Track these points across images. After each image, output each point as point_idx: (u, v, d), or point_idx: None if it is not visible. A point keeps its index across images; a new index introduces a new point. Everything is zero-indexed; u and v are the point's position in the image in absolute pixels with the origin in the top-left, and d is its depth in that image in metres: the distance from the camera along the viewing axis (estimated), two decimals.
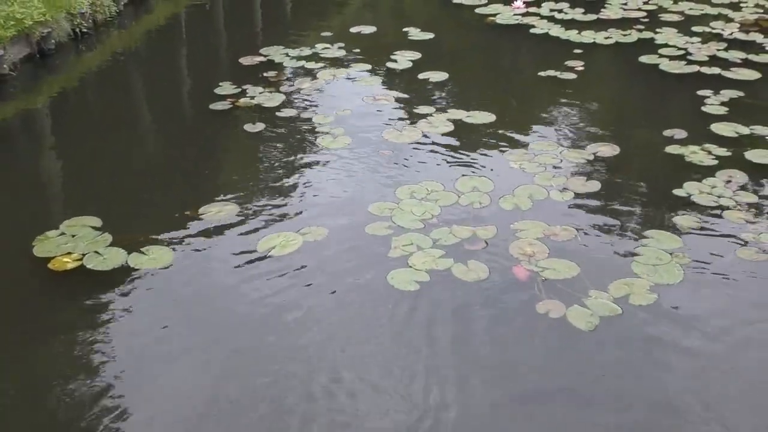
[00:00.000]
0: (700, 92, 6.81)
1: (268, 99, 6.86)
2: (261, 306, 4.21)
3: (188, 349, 3.93)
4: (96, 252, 4.59)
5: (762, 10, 9.10)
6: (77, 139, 6.41)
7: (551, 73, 7.35)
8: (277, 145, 6.12)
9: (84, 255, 4.57)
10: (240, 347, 3.95)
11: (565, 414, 3.52)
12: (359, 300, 4.28)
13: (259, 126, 6.35)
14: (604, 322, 4.02)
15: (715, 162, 5.61)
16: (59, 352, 3.96)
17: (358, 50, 8.08)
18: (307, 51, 8.05)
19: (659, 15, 8.97)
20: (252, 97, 6.89)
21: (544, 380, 3.72)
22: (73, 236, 4.75)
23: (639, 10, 9.14)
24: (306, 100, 6.90)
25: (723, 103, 6.59)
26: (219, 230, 4.88)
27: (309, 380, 3.70)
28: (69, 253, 4.58)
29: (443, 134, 6.15)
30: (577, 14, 8.96)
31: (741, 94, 6.77)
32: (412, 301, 4.21)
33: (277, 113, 6.60)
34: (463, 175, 5.48)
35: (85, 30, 8.37)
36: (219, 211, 5.07)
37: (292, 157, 5.89)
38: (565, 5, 9.24)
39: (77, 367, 3.81)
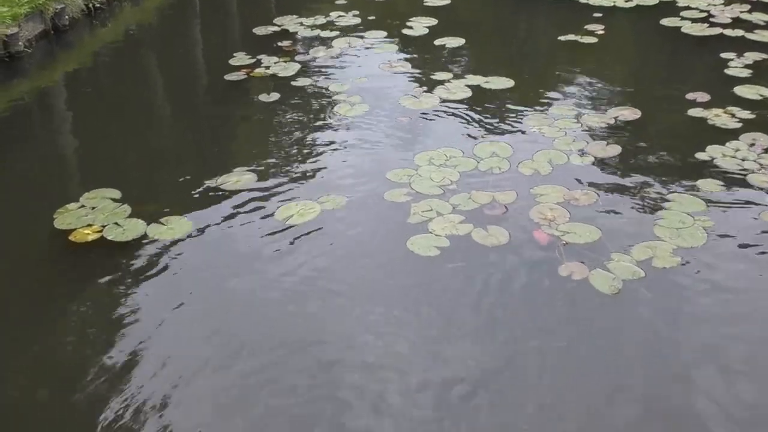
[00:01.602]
0: (724, 55, 6.68)
1: (283, 68, 6.82)
2: (281, 273, 4.20)
3: (208, 315, 3.94)
4: (116, 223, 4.60)
5: None
6: (93, 113, 6.41)
7: (571, 37, 7.23)
8: (293, 114, 6.08)
9: (104, 227, 4.58)
10: (261, 314, 3.95)
11: (589, 375, 3.50)
12: (380, 266, 4.26)
13: (275, 96, 6.31)
14: (627, 285, 3.97)
15: (739, 125, 5.50)
16: (81, 319, 3.98)
17: (373, 17, 7.99)
18: (321, 19, 7.98)
19: None
20: (267, 67, 6.85)
21: (566, 341, 3.69)
22: (93, 208, 4.76)
23: None
24: (321, 68, 6.84)
25: (747, 66, 6.46)
26: (237, 199, 4.86)
27: (330, 344, 3.70)
28: (89, 225, 4.59)
29: (461, 100, 6.09)
30: None
31: (765, 56, 6.63)
32: (433, 267, 4.19)
33: (293, 82, 6.56)
34: (482, 141, 5.43)
35: (98, 5, 8.35)
36: (237, 180, 5.06)
37: (309, 126, 5.85)
38: None
39: (98, 334, 3.84)
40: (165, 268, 4.28)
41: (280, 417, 3.35)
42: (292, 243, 4.43)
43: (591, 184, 4.87)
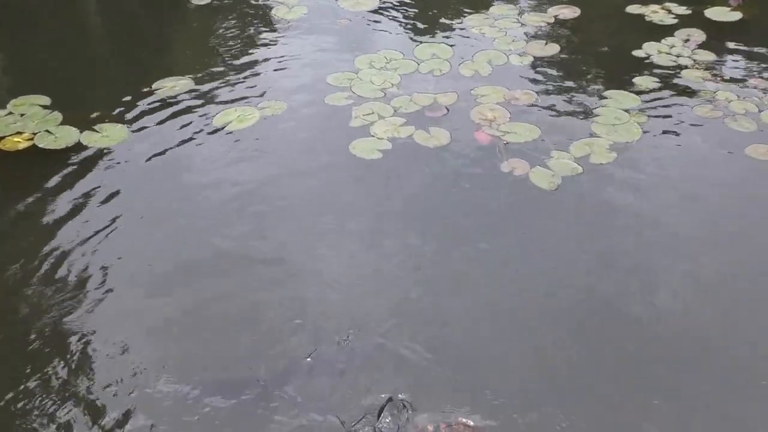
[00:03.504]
0: None
1: None
2: (220, 179, 4.15)
3: (146, 221, 3.89)
4: (47, 131, 4.45)
5: None
6: (19, 18, 6.06)
7: None
8: (229, 18, 5.88)
9: (35, 134, 4.43)
10: (199, 218, 3.92)
11: (531, 264, 3.61)
12: (322, 170, 4.24)
13: None
14: (566, 181, 4.07)
15: (675, 21, 5.56)
16: (13, 228, 3.88)
17: None
18: None
19: None
20: None
21: (507, 233, 3.79)
22: (22, 115, 4.59)
23: None
24: None
25: None
26: (173, 105, 4.74)
27: (274, 244, 3.72)
28: (19, 133, 4.43)
29: (401, 1, 5.97)
30: None
31: None
32: (376, 169, 4.20)
33: None
34: (422, 43, 5.37)
35: None
36: (173, 86, 4.92)
37: (246, 30, 5.68)
38: None
39: (32, 241, 3.75)
40: (99, 175, 4.19)
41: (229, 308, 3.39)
42: (231, 149, 4.37)
43: (530, 84, 4.90)
